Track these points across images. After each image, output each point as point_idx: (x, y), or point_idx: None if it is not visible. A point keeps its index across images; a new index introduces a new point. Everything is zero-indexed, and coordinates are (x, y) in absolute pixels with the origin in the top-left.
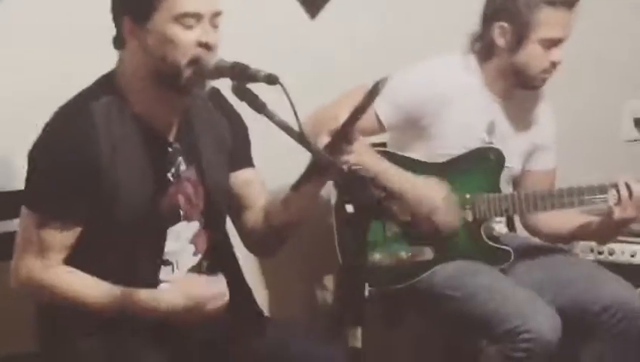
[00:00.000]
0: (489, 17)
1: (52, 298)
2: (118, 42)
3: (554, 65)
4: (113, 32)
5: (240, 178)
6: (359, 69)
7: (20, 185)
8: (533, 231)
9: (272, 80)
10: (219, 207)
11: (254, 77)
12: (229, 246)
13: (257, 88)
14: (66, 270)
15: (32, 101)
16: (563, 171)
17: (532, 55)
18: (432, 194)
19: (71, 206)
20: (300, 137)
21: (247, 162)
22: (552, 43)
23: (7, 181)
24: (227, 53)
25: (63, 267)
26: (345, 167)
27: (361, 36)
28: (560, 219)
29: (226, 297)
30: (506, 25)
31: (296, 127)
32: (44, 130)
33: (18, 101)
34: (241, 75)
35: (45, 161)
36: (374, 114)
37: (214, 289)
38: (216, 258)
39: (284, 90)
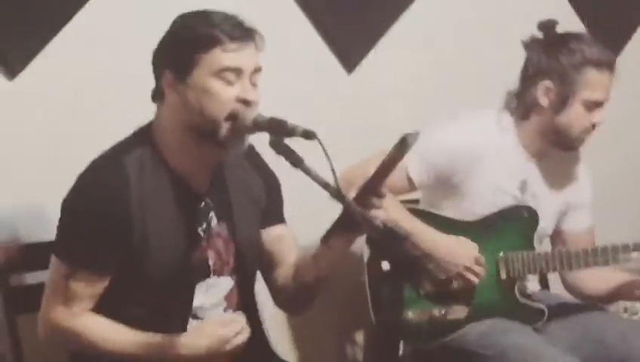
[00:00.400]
0: (531, 76)
1: (80, 346)
2: (157, 95)
3: (594, 126)
4: (152, 85)
5: (271, 234)
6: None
7: (53, 236)
8: (573, 290)
9: (309, 135)
10: (249, 263)
11: (292, 132)
12: (256, 304)
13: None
14: (92, 317)
15: (66, 153)
16: (598, 229)
17: (575, 116)
18: (462, 253)
19: (100, 257)
20: (336, 193)
21: (279, 218)
22: (594, 105)
23: (40, 232)
24: (263, 107)
25: (89, 314)
26: (380, 223)
27: (399, 91)
28: (600, 279)
29: (248, 332)
30: (551, 85)
31: (332, 183)
32: (77, 181)
33: (53, 152)
34: (278, 130)
35: (76, 212)
36: (405, 172)
37: (236, 326)
38: (244, 313)
39: (322, 145)
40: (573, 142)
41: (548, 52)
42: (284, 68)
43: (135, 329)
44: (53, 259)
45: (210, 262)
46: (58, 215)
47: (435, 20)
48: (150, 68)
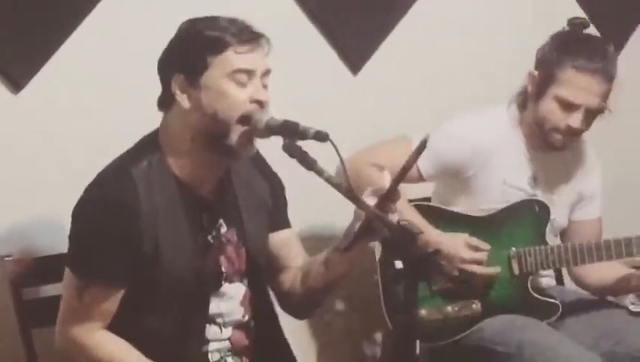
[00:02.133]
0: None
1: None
2: (165, 102)
3: (570, 129)
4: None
5: (277, 239)
6: (404, 124)
7: (66, 248)
8: (578, 281)
9: (322, 137)
10: (261, 268)
11: (305, 134)
12: (273, 308)
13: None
14: (106, 336)
15: (77, 164)
16: (609, 221)
17: (547, 109)
18: (453, 246)
19: (113, 269)
20: (349, 193)
21: (285, 223)
22: (569, 105)
23: (54, 244)
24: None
25: (104, 332)
26: (394, 222)
27: (404, 91)
28: (604, 271)
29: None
30: (534, 73)
31: (344, 183)
32: (86, 193)
33: (65, 163)
34: (291, 132)
35: (87, 225)
36: (416, 166)
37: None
38: (261, 317)
39: (335, 146)
40: (548, 138)
41: (552, 45)
42: (289, 71)
43: (154, 342)
44: (67, 272)
45: (223, 269)
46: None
47: (439, 19)
48: (156, 77)
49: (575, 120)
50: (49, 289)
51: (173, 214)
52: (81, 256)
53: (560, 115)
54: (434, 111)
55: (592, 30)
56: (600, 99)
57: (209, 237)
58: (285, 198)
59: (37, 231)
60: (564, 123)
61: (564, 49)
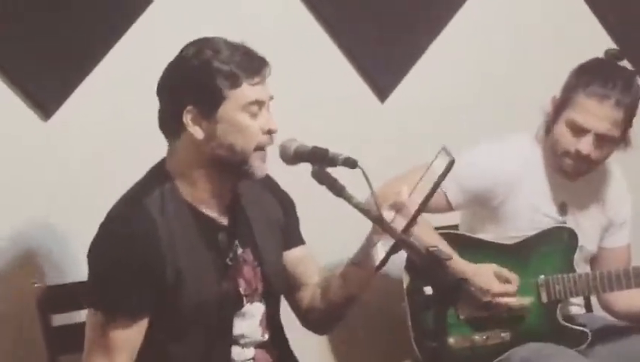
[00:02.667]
0: None
1: None
2: (172, 130)
3: (579, 154)
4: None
5: (292, 256)
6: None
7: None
8: (607, 308)
9: (352, 164)
10: (277, 286)
11: (334, 161)
12: (282, 327)
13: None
14: None
15: (107, 190)
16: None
17: (560, 133)
18: (485, 278)
19: (136, 301)
20: (378, 219)
21: (299, 240)
22: (579, 129)
23: (81, 271)
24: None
25: None
26: (423, 247)
27: (432, 118)
28: (633, 298)
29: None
30: (557, 97)
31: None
32: (103, 229)
33: (93, 190)
34: (320, 159)
35: (107, 260)
36: (443, 194)
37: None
38: (276, 336)
39: (364, 173)
40: (560, 163)
41: (575, 70)
42: (317, 99)
43: None
44: (89, 310)
45: (242, 290)
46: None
47: (465, 47)
48: None
49: (584, 145)
50: (78, 316)
51: (190, 240)
52: (103, 292)
53: (570, 139)
54: (462, 137)
55: (625, 63)
56: (611, 126)
57: (227, 260)
58: (297, 215)
59: (65, 257)
60: (574, 147)
61: (583, 74)
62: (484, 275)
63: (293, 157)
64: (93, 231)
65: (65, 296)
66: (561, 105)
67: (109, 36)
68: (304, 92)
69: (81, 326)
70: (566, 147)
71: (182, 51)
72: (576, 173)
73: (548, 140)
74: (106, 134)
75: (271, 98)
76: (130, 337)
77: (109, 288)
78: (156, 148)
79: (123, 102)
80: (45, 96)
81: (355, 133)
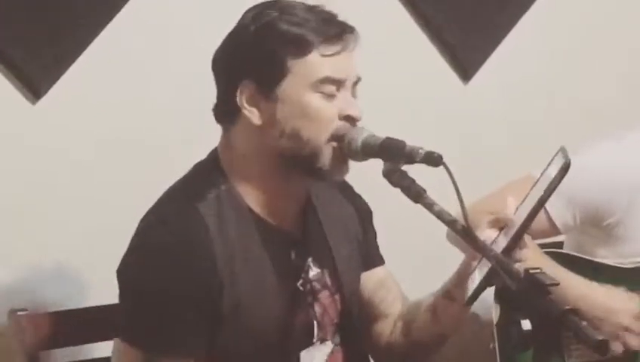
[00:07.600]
0: None
1: None
2: (226, 115)
3: None
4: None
5: (372, 279)
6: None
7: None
8: None
9: (434, 160)
10: (356, 319)
11: (412, 156)
12: None
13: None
14: None
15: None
16: None
17: None
18: (619, 309)
19: (185, 338)
20: (466, 231)
21: (379, 258)
22: None
23: (78, 298)
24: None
25: None
26: (521, 271)
27: (519, 100)
28: None
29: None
30: None
31: (460, 219)
32: (142, 242)
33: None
34: (395, 154)
35: (150, 289)
36: (545, 212)
37: None
38: None
39: (449, 172)
40: None
41: None
42: (396, 80)
43: None
44: (122, 345)
45: (315, 322)
46: (95, 273)
47: (555, 25)
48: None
49: None
50: (72, 353)
51: (253, 258)
52: (146, 328)
53: None
54: (558, 124)
55: None
56: None
57: (298, 284)
58: (374, 227)
59: (54, 281)
60: None
61: None
62: (623, 308)
63: (360, 151)
64: (92, 229)
65: (56, 327)
66: None
67: (100, 16)
68: (382, 72)
69: None
70: None
71: (243, 15)
72: None
73: None
74: (105, 117)
75: (358, 80)
76: None
77: (154, 323)
78: (163, 133)
79: (117, 84)
80: (36, 74)
81: (437, 117)
